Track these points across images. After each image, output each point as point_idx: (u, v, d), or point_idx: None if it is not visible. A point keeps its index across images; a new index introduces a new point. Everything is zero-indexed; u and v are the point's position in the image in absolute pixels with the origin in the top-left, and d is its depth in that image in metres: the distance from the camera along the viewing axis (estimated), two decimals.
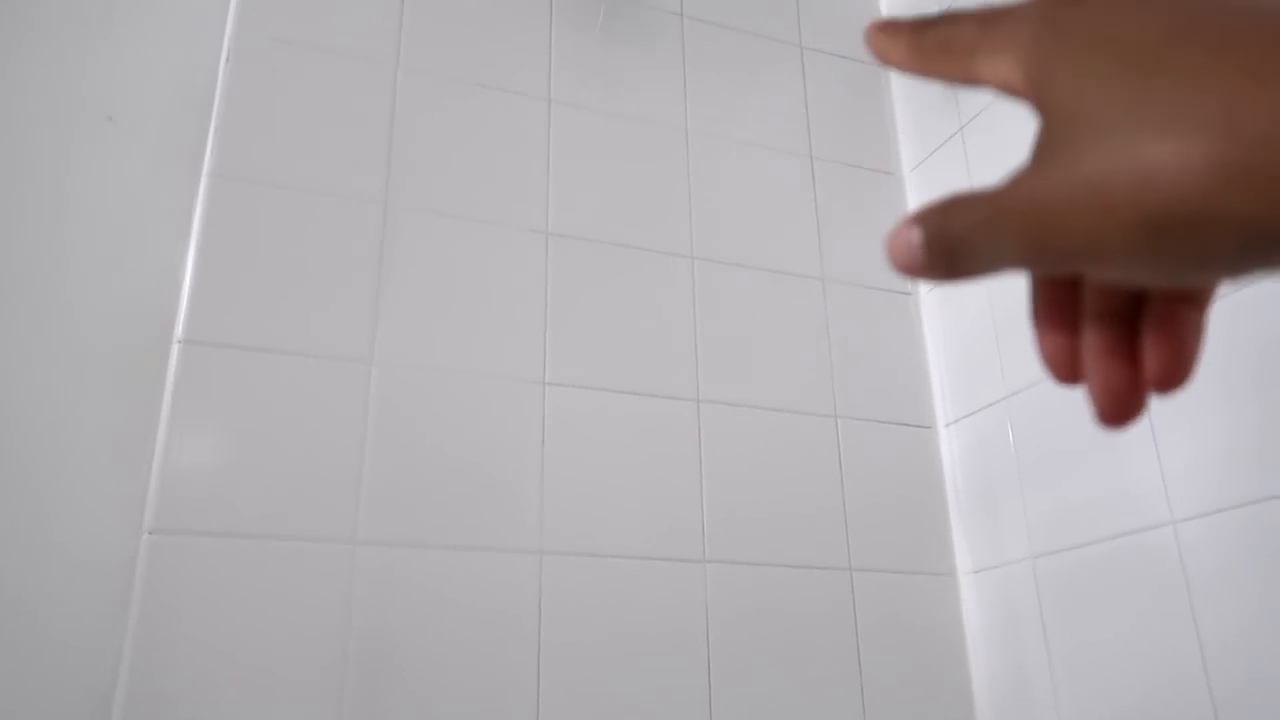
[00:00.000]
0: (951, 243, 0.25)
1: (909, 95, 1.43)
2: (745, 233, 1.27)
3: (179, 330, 0.97)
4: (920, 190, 1.37)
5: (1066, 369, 0.28)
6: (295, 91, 1.10)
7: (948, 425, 1.26)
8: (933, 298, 1.32)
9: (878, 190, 1.38)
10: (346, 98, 1.12)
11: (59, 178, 1.00)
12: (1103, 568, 1.01)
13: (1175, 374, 0.27)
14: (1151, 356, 0.27)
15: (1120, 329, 0.27)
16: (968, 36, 0.27)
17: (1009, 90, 0.26)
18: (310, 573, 0.93)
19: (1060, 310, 0.28)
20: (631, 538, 1.07)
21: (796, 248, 1.29)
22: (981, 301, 1.22)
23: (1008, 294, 1.18)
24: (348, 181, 1.09)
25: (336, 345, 1.02)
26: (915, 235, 0.25)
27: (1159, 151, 0.21)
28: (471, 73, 1.19)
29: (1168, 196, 0.21)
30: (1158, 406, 0.96)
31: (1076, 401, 1.06)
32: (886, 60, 0.30)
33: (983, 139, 1.26)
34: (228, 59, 1.08)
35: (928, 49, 0.28)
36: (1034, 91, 0.25)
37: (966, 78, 0.27)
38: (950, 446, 1.25)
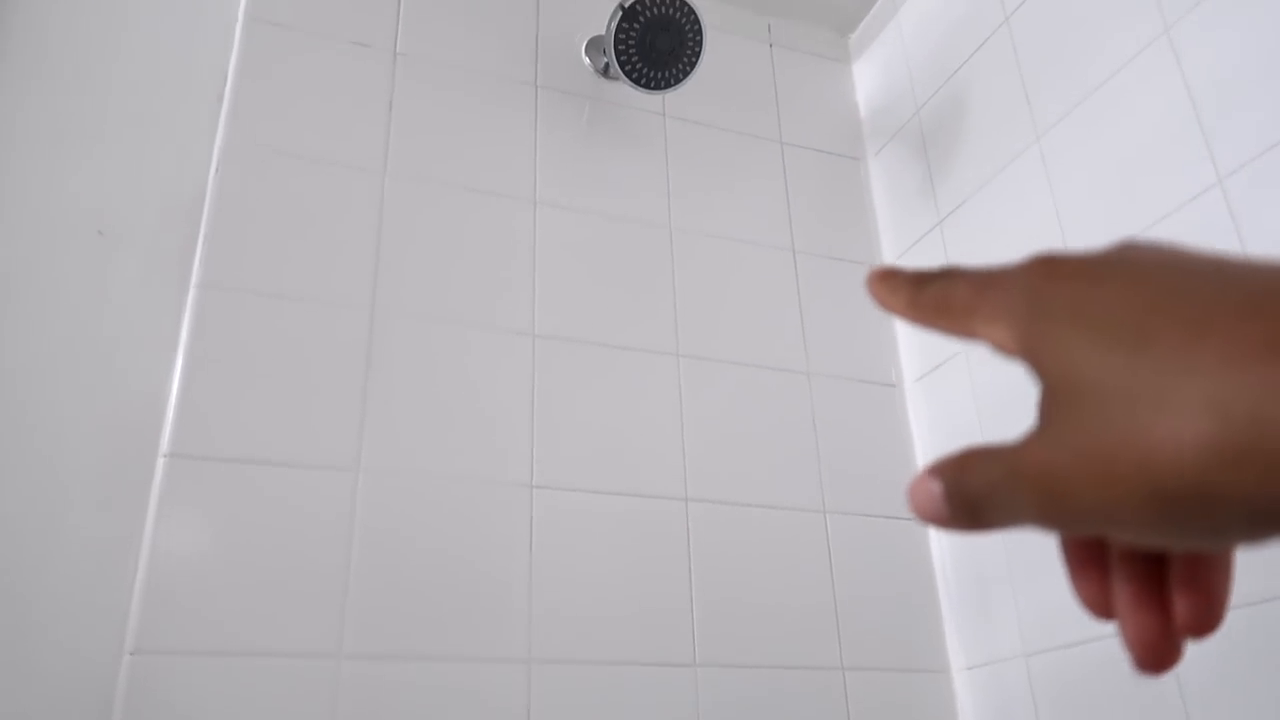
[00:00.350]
0: (971, 498, 0.26)
1: (888, 189, 1.46)
2: (730, 328, 1.28)
3: (164, 444, 0.97)
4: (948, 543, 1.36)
5: (1103, 608, 0.28)
6: (283, 199, 1.12)
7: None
8: (918, 390, 1.33)
9: (858, 281, 1.40)
10: (334, 204, 1.14)
11: (49, 291, 1.01)
12: (1098, 667, 1.00)
13: (1207, 621, 0.27)
14: (1181, 605, 0.27)
15: (1148, 576, 0.27)
16: (963, 299, 0.28)
17: (1007, 354, 0.27)
18: (295, 691, 0.92)
19: (1089, 555, 0.28)
20: (621, 642, 1.06)
21: (781, 342, 1.30)
22: (965, 393, 1.23)
23: (991, 384, 1.19)
24: (335, 288, 1.10)
25: (322, 454, 1.02)
26: (936, 488, 0.26)
27: (1155, 428, 0.21)
28: (457, 177, 1.22)
29: (1169, 473, 0.21)
30: None
31: None
32: (887, 308, 0.31)
33: (961, 231, 1.29)
34: (217, 169, 1.10)
35: (926, 306, 0.30)
36: (1030, 359, 0.26)
37: (965, 335, 0.29)
38: (940, 540, 1.25)
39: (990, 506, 0.25)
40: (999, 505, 0.25)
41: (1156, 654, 0.27)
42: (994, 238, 1.22)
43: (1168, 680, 0.92)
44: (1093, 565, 0.28)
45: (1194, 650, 0.87)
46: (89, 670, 0.88)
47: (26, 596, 0.90)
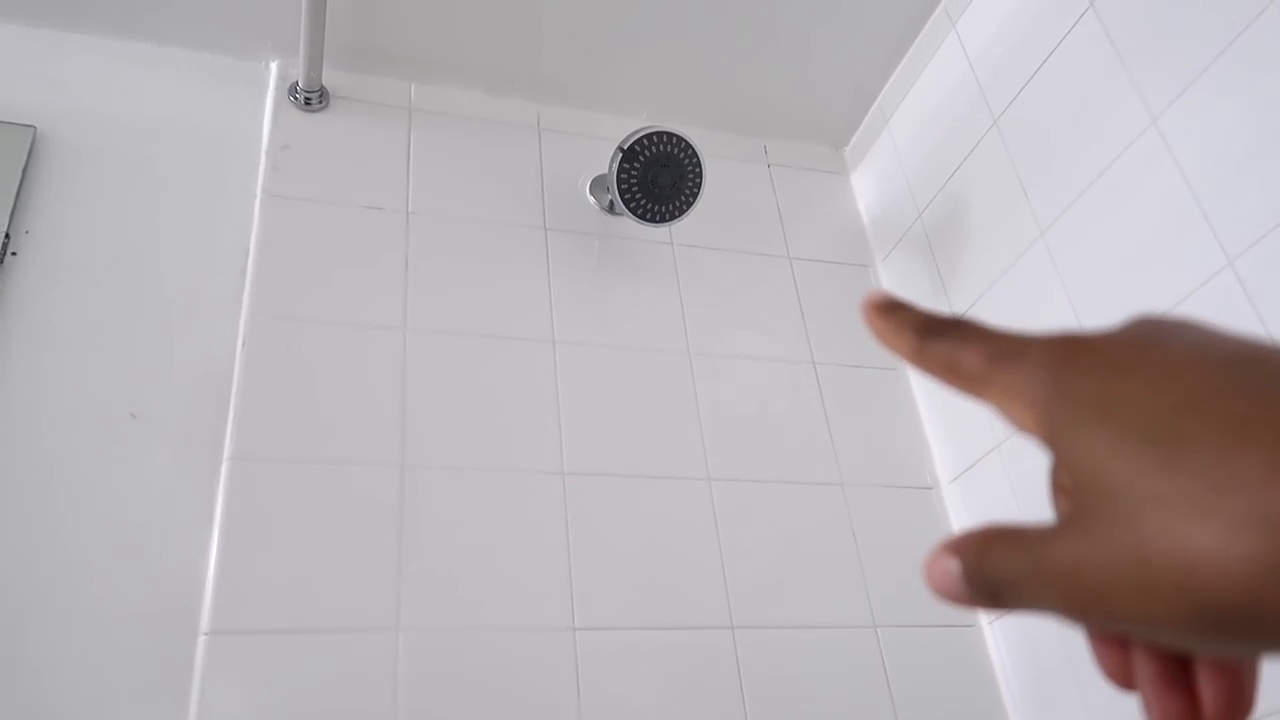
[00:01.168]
0: (992, 584, 0.24)
1: (900, 292, 1.46)
2: (759, 447, 1.28)
3: (204, 622, 0.96)
4: (925, 382, 1.39)
5: (1125, 680, 0.27)
6: (308, 365, 1.14)
7: (991, 622, 1.23)
8: (955, 490, 1.31)
9: (882, 386, 1.40)
10: (358, 365, 1.16)
11: (84, 477, 1.02)
12: None
13: (1237, 710, 0.25)
14: (1209, 693, 0.25)
15: (1171, 655, 0.26)
16: (976, 366, 0.26)
17: (1024, 431, 0.25)
18: None
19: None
20: None
21: (812, 455, 1.30)
22: (1004, 488, 1.22)
23: (1030, 477, 1.17)
24: (363, 447, 1.11)
25: (362, 616, 1.01)
26: (954, 567, 0.25)
27: (1198, 540, 0.20)
28: (476, 326, 1.24)
29: (1213, 587, 0.20)
30: None
31: None
32: (887, 346, 0.29)
33: None
34: (243, 342, 1.13)
35: (933, 361, 0.28)
36: (1055, 448, 0.24)
37: (974, 398, 0.27)
38: (998, 643, 1.21)
39: (1013, 595, 0.24)
40: (1022, 595, 0.24)
41: None
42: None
43: None
44: (1113, 638, 0.27)
45: None
46: None
47: None
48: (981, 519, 1.26)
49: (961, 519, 1.30)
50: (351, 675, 0.98)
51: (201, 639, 0.96)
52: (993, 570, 0.24)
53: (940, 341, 0.27)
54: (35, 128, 1.19)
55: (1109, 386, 0.23)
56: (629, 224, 1.38)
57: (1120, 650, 0.27)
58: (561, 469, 1.17)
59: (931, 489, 1.33)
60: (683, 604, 1.13)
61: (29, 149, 1.17)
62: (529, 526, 1.12)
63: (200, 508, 1.03)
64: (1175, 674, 0.26)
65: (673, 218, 1.30)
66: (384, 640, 1.01)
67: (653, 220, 1.29)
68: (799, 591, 1.18)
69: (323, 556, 1.03)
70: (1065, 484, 0.27)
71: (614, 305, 1.33)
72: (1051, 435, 0.24)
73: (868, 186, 1.59)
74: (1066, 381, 0.24)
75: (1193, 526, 0.20)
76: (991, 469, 1.24)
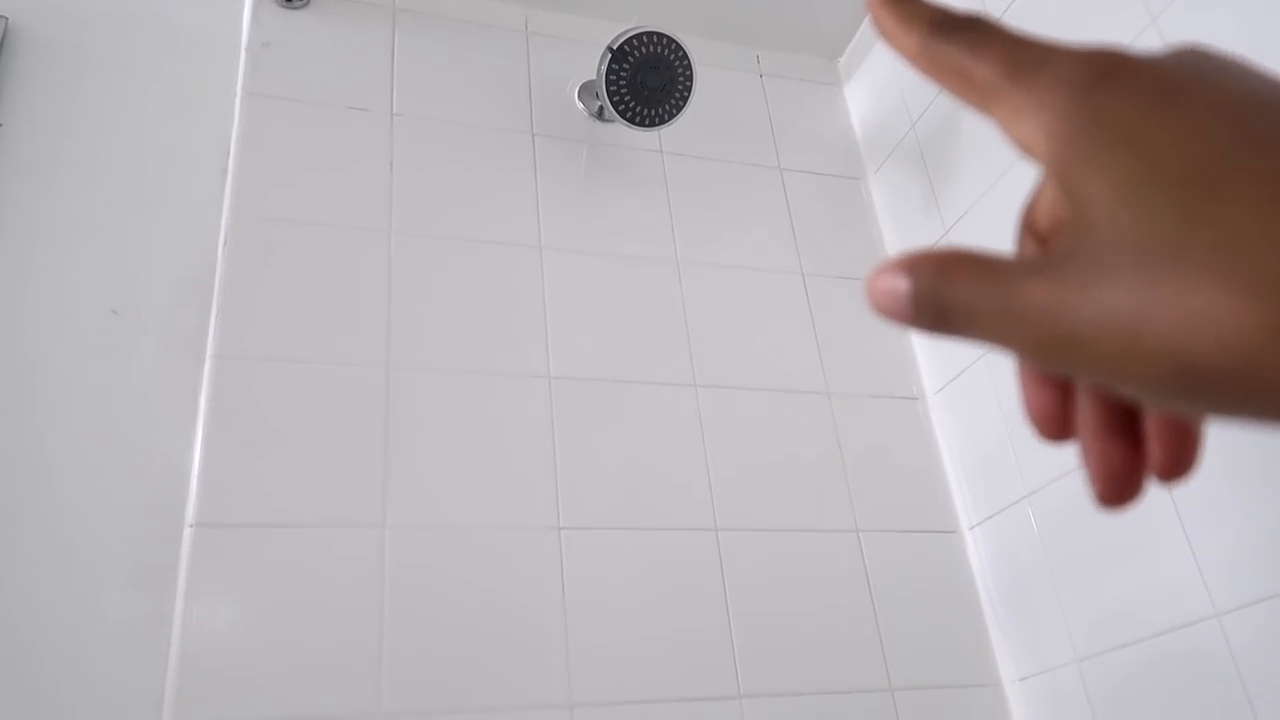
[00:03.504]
0: (944, 310, 0.22)
1: (891, 204, 1.46)
2: (745, 355, 1.28)
3: (190, 514, 0.97)
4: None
5: (1055, 426, 0.25)
6: (292, 266, 1.13)
7: (972, 528, 1.24)
8: (941, 400, 1.32)
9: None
10: (343, 266, 1.15)
11: (67, 373, 1.02)
12: (1153, 667, 0.97)
13: (1182, 462, 0.24)
14: (1156, 443, 0.24)
15: (1122, 404, 0.24)
16: (989, 78, 0.23)
17: (1029, 155, 0.23)
18: None
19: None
20: (662, 680, 1.04)
21: (798, 365, 1.30)
22: (989, 401, 1.22)
23: (1015, 389, 1.18)
24: (349, 348, 1.10)
25: (348, 513, 1.02)
26: (903, 285, 0.23)
27: (1207, 301, 0.18)
28: (462, 230, 1.23)
29: (1210, 351, 0.18)
30: (1184, 495, 0.94)
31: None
32: (889, 42, 0.26)
33: (968, 239, 1.28)
34: (226, 241, 1.12)
35: (940, 64, 0.25)
36: (1060, 176, 0.22)
37: (980, 111, 0.24)
38: (978, 550, 1.23)
39: (964, 324, 0.22)
40: (975, 327, 0.22)
41: (1121, 487, 0.24)
42: (1003, 244, 1.22)
43: (1225, 671, 0.89)
44: (1053, 381, 0.25)
45: (1247, 640, 0.84)
46: None
47: (61, 680, 0.89)
48: (966, 430, 1.27)
49: (946, 429, 1.30)
50: (338, 572, 0.99)
51: (187, 531, 0.96)
52: (950, 295, 0.22)
53: (952, 41, 0.24)
54: (7, 19, 1.16)
55: (1142, 118, 0.20)
56: (618, 131, 1.35)
57: (1059, 395, 0.25)
58: (548, 373, 1.17)
59: (917, 399, 1.33)
60: (667, 506, 1.14)
61: (0, 40, 1.14)
62: (515, 429, 1.13)
63: (184, 404, 1.03)
64: (1121, 423, 0.24)
65: (662, 122, 1.28)
66: (370, 536, 1.01)
67: (641, 124, 1.27)
68: (782, 496, 1.19)
69: (308, 454, 1.03)
70: (1043, 222, 0.26)
71: (602, 212, 1.32)
72: (1063, 164, 0.21)
73: (861, 98, 1.56)
74: (1094, 104, 0.21)
75: (1207, 285, 0.18)
76: (978, 380, 1.24)
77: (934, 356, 1.34)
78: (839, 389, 1.30)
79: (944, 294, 0.22)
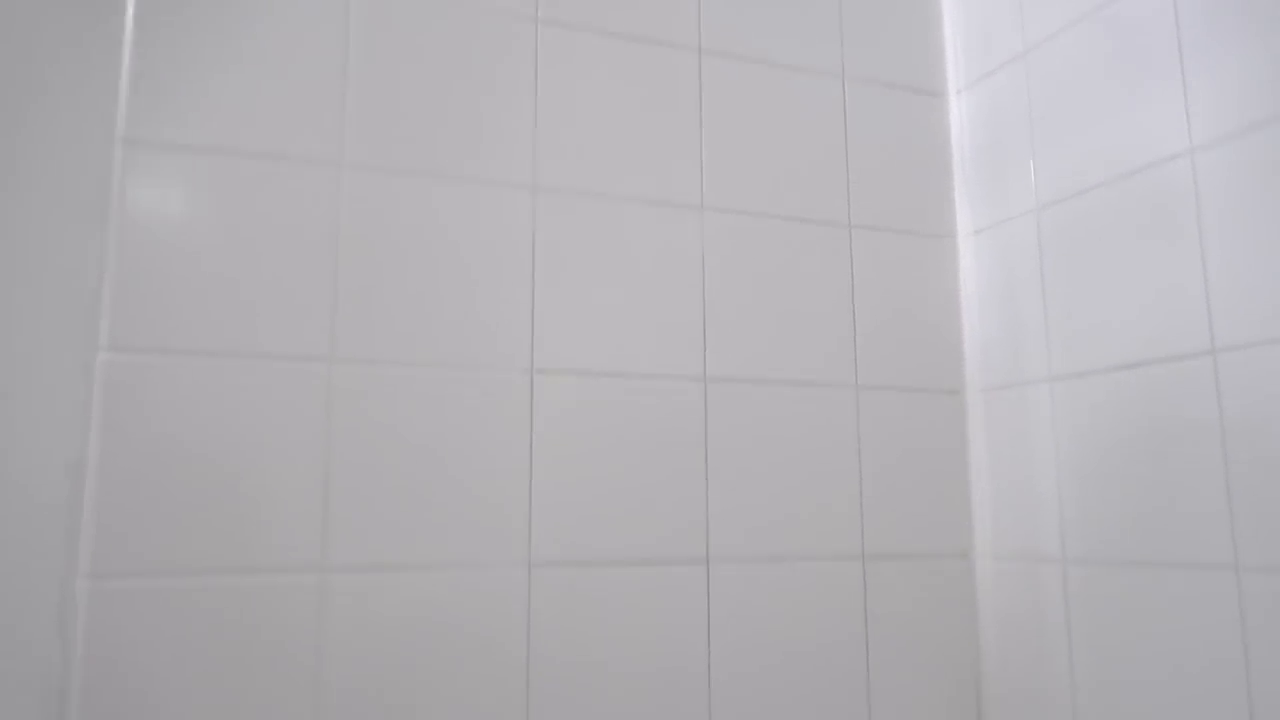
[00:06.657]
0: None
1: (965, 4, 1.21)
2: (762, 172, 1.10)
3: (104, 339, 0.83)
4: (968, 115, 1.18)
5: None
6: (233, 33, 0.91)
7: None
8: (969, 243, 1.16)
9: (923, 116, 1.19)
10: (293, 42, 0.93)
11: None
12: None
13: None
14: None
15: None
16: None
17: None
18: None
19: None
20: (630, 544, 0.97)
21: (821, 189, 1.12)
22: (1031, 250, 1.07)
23: (1056, 237, 1.03)
24: (300, 144, 0.92)
25: (293, 345, 0.89)
26: None
27: None
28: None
29: None
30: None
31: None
32: None
33: (1051, 65, 1.07)
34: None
35: None
36: None
37: None
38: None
39: None
40: None
41: None
42: (1089, 79, 1.01)
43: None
44: None
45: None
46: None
47: None
48: (999, 282, 1.13)
49: (972, 270, 1.16)
50: (282, 406, 0.88)
51: (101, 356, 0.83)
52: None
53: None
54: None
55: None
56: None
57: None
58: (532, 183, 1.00)
59: (947, 237, 1.18)
60: (653, 351, 1.02)
61: None
62: (488, 246, 0.97)
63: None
64: None
65: None
66: (315, 371, 0.89)
67: None
68: (781, 345, 1.07)
69: (255, 272, 0.88)
70: None
71: None
72: None
73: None
74: None
75: None
76: (1025, 224, 1.09)
77: (971, 195, 1.17)
78: (861, 220, 1.14)
79: None
